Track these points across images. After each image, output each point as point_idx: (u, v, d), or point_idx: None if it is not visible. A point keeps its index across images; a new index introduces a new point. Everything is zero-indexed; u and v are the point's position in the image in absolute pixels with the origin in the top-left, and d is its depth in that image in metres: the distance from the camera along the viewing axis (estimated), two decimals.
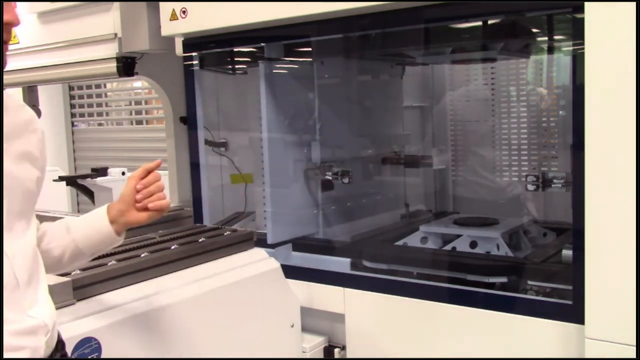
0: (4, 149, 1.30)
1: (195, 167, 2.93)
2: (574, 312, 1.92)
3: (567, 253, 2.10)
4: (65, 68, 3.19)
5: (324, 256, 2.65)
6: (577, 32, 1.84)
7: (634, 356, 1.73)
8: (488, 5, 2.11)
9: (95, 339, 1.72)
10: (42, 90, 4.19)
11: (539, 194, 2.91)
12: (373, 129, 3.25)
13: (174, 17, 2.64)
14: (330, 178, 2.90)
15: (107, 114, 5.57)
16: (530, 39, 2.68)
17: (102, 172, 3.96)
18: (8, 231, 1.27)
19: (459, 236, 2.66)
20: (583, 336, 1.85)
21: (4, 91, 1.39)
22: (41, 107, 3.65)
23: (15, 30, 3.40)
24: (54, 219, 1.67)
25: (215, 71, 3.10)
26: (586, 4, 1.76)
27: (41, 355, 1.30)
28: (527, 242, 2.72)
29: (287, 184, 2.87)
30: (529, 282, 2.23)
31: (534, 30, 2.59)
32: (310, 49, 2.83)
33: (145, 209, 1.60)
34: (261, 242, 2.58)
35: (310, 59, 2.88)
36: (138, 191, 1.59)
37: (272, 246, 2.67)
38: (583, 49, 1.79)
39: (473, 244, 2.61)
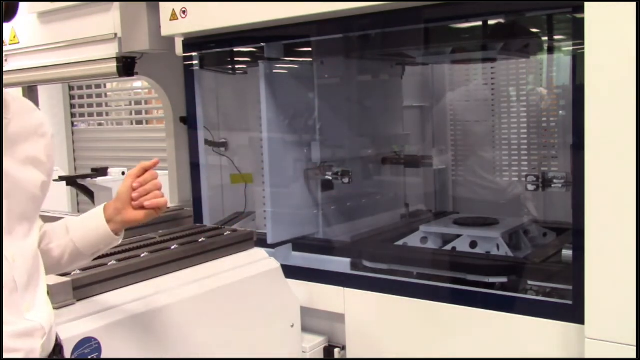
0: (10, 152, 1.30)
1: (195, 167, 2.93)
2: (574, 312, 1.92)
3: (567, 253, 2.10)
4: (65, 68, 3.19)
5: (324, 256, 2.65)
6: (577, 32, 1.84)
7: (634, 356, 1.73)
8: (488, 5, 2.10)
9: (95, 339, 1.72)
10: (42, 90, 4.19)
11: (539, 194, 2.91)
12: (373, 129, 3.25)
13: (174, 17, 2.64)
14: (330, 178, 2.90)
15: (107, 114, 5.58)
16: (530, 39, 2.68)
17: (102, 172, 3.96)
18: (8, 234, 1.27)
19: (459, 236, 2.66)
20: (583, 336, 1.85)
21: (15, 96, 1.40)
22: (41, 107, 3.66)
23: (15, 30, 3.42)
24: (54, 219, 1.67)
25: (215, 71, 3.10)
26: (586, 4, 1.76)
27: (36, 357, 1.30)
28: (527, 242, 2.72)
29: (287, 184, 2.87)
30: (529, 282, 2.23)
31: (534, 30, 2.59)
32: (310, 49, 2.83)
33: (142, 207, 1.58)
34: (261, 242, 2.57)
35: (310, 59, 2.88)
36: (134, 189, 1.57)
37: (272, 246, 2.67)
38: (583, 49, 1.78)
39: (473, 244, 2.61)
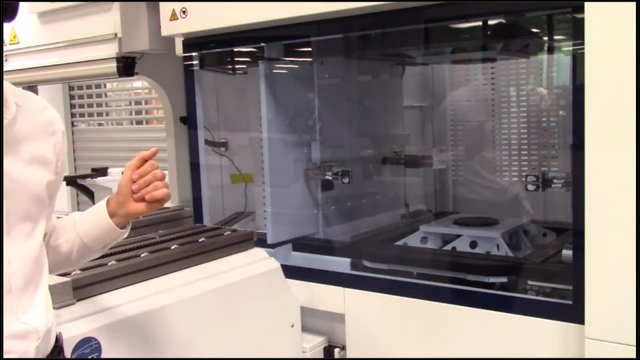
0: (14, 152, 1.30)
1: (195, 167, 2.93)
2: (574, 312, 1.92)
3: (567, 253, 2.10)
4: (65, 68, 3.20)
5: (324, 256, 2.65)
6: (577, 32, 1.84)
7: (634, 356, 1.73)
8: (488, 5, 2.10)
9: (95, 339, 1.72)
10: (42, 90, 4.19)
11: (539, 194, 2.91)
12: (373, 129, 3.25)
13: (174, 17, 2.64)
14: (330, 178, 2.90)
15: (107, 114, 5.57)
16: (530, 39, 2.68)
17: (102, 172, 3.97)
18: (6, 235, 1.26)
19: (459, 236, 2.66)
20: (583, 336, 1.85)
21: (27, 94, 1.39)
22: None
23: (15, 30, 3.42)
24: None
25: (215, 71, 3.10)
26: (586, 4, 1.76)
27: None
28: (527, 242, 2.72)
29: (287, 184, 2.87)
30: (529, 282, 2.23)
31: (534, 30, 2.59)
32: (310, 49, 2.83)
33: (144, 198, 1.54)
34: (261, 242, 2.58)
35: (310, 59, 2.88)
36: (134, 181, 1.53)
37: (272, 246, 2.67)
38: (583, 49, 1.78)
39: (473, 244, 2.61)
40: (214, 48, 2.80)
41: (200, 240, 2.31)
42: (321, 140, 2.87)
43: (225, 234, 2.43)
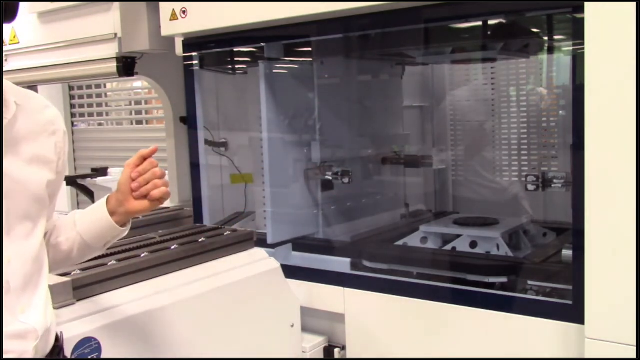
0: (14, 152, 1.29)
1: (195, 167, 2.93)
2: (574, 312, 1.92)
3: (567, 253, 2.10)
4: (65, 68, 3.20)
5: (324, 256, 2.65)
6: (577, 32, 1.84)
7: (634, 356, 1.73)
8: (488, 5, 2.11)
9: (95, 339, 1.72)
10: (42, 90, 4.19)
11: (539, 194, 2.91)
12: (373, 129, 3.25)
13: (174, 17, 2.64)
14: (330, 178, 2.90)
15: (107, 114, 5.57)
16: (530, 39, 2.68)
17: (102, 172, 3.97)
18: (6, 234, 1.26)
19: (459, 236, 2.66)
20: (583, 336, 1.85)
21: (28, 93, 1.39)
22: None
23: (15, 30, 3.42)
24: None
25: (215, 71, 3.10)
26: (586, 4, 1.76)
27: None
28: (527, 242, 2.72)
29: (287, 184, 2.87)
30: (529, 282, 2.23)
31: (534, 30, 2.59)
32: (310, 49, 2.83)
33: (144, 197, 1.53)
34: (261, 242, 2.57)
35: (310, 59, 2.88)
36: (133, 179, 1.53)
37: (272, 246, 2.67)
38: (583, 49, 1.78)
39: (473, 244, 2.61)
40: (214, 48, 2.80)
41: (200, 240, 2.31)
42: (321, 140, 2.87)
43: (225, 234, 2.43)
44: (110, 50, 2.96)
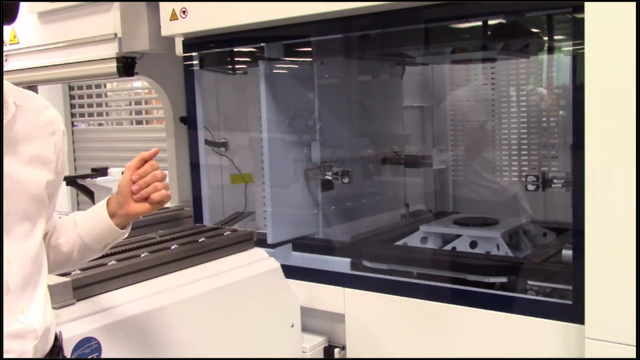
0: (13, 152, 1.30)
1: (195, 167, 2.93)
2: (574, 312, 1.92)
3: (567, 253, 2.10)
4: (65, 68, 3.19)
5: (324, 256, 2.65)
6: (577, 32, 1.84)
7: (634, 356, 1.73)
8: (488, 5, 2.10)
9: (95, 339, 1.72)
10: (42, 90, 4.19)
11: (539, 194, 2.91)
12: (373, 129, 3.25)
13: (174, 17, 2.64)
14: (330, 178, 2.90)
15: (107, 114, 5.57)
16: (530, 39, 2.68)
17: (102, 172, 3.96)
18: (5, 235, 1.27)
19: (459, 236, 2.66)
20: (583, 336, 1.85)
21: (28, 93, 1.39)
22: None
23: (15, 30, 3.42)
24: None
25: (215, 71, 3.10)
26: (586, 4, 1.76)
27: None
28: (527, 242, 2.72)
29: (287, 184, 2.87)
30: (529, 282, 2.23)
31: (534, 30, 2.59)
32: (310, 49, 2.83)
33: (144, 199, 1.53)
34: (261, 242, 2.57)
35: (310, 59, 2.88)
36: (134, 182, 1.52)
37: (272, 246, 2.67)
38: (583, 49, 1.78)
39: (473, 244, 2.61)
40: (214, 48, 2.80)
41: (200, 240, 2.31)
42: (321, 140, 2.87)
43: (225, 234, 2.43)
44: (110, 50, 2.96)
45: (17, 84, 1.41)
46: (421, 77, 3.53)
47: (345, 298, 2.45)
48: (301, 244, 2.76)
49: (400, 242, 2.78)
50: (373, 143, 3.25)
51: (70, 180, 3.99)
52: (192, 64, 2.85)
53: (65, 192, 4.90)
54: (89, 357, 1.70)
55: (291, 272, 2.46)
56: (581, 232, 1.83)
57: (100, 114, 5.59)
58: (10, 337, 1.25)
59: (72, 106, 5.61)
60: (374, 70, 3.27)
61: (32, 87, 3.76)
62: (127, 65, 2.95)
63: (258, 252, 2.41)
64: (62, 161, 1.44)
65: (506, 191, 3.18)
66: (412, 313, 2.31)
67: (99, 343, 1.73)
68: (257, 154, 2.91)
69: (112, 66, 2.96)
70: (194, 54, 2.83)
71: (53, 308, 1.43)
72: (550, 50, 2.86)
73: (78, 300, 1.79)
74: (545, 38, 2.58)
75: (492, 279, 2.27)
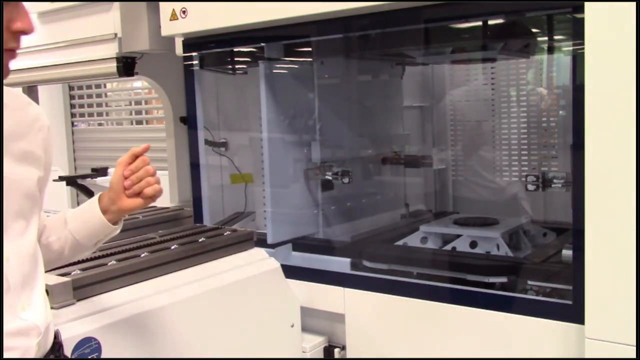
0: (5, 150, 1.30)
1: (195, 167, 2.93)
2: (574, 312, 1.92)
3: (567, 253, 2.10)
4: (65, 68, 3.20)
5: (324, 256, 2.65)
6: (577, 32, 1.84)
7: (634, 356, 1.73)
8: (488, 5, 2.10)
9: (95, 339, 1.72)
10: (42, 90, 4.19)
11: (539, 194, 2.91)
12: (373, 129, 3.25)
13: (174, 17, 2.64)
14: (330, 178, 2.90)
15: (107, 114, 5.57)
16: (530, 39, 2.68)
17: (102, 172, 3.97)
18: (3, 232, 1.27)
19: (459, 236, 2.66)
20: (583, 336, 1.85)
21: (10, 90, 1.39)
22: (41, 107, 3.64)
23: None
24: None
25: (215, 71, 3.10)
26: (586, 4, 1.76)
27: (32, 356, 1.30)
28: (527, 242, 2.72)
29: (287, 184, 2.87)
30: (529, 282, 2.23)
31: (534, 30, 2.59)
32: (310, 49, 2.83)
33: (136, 195, 1.54)
34: (261, 242, 2.57)
35: (310, 59, 2.88)
36: (126, 177, 1.53)
37: (272, 246, 2.67)
38: (583, 49, 1.78)
39: (473, 244, 2.61)
40: (214, 48, 2.80)
41: (200, 240, 2.31)
42: (321, 140, 2.87)
43: (225, 234, 2.43)
44: (110, 50, 2.96)
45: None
46: (421, 77, 3.53)
47: (345, 298, 2.45)
48: (301, 244, 2.76)
49: (400, 242, 2.78)
50: (373, 143, 3.25)
51: (70, 180, 3.99)
52: (192, 64, 2.85)
53: (65, 192, 4.89)
54: (89, 357, 1.70)
55: (291, 272, 2.46)
56: (581, 232, 1.83)
57: (100, 114, 5.58)
58: (14, 334, 1.25)
59: (72, 106, 5.61)
60: (373, 70, 3.27)
61: (32, 87, 3.77)
62: (127, 65, 2.95)
63: (258, 252, 2.42)
64: (50, 157, 1.45)
65: (506, 191, 3.18)
66: (412, 313, 2.31)
67: (99, 343, 1.73)
68: (257, 154, 2.91)
69: (112, 66, 2.96)
70: (194, 54, 2.83)
71: (53, 308, 1.44)
72: (550, 50, 2.86)
73: (78, 300, 1.78)
74: (545, 38, 2.58)
75: (492, 279, 2.27)
